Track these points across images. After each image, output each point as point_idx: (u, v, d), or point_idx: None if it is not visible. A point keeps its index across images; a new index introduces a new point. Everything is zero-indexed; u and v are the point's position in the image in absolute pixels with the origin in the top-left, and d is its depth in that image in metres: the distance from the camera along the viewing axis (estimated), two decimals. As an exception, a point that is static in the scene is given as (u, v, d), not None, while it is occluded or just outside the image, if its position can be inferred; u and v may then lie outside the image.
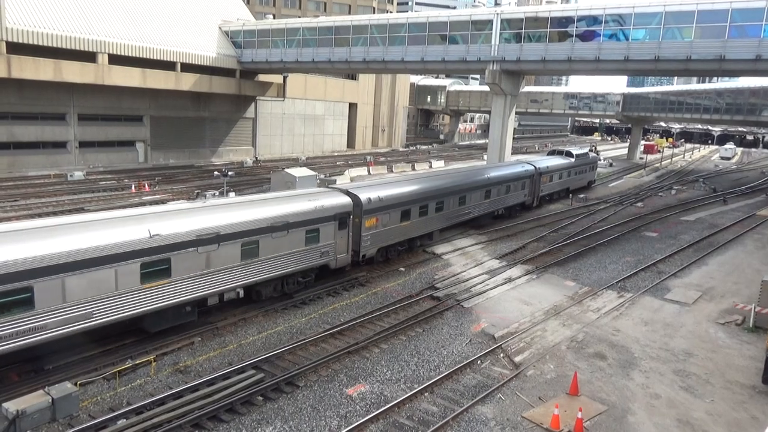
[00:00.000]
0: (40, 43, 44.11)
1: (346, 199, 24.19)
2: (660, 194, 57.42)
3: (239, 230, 19.39)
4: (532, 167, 42.46)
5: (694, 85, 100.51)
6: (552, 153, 53.63)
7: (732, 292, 26.47)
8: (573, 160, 51.24)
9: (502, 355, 18.78)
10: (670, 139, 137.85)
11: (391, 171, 60.19)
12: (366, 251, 25.54)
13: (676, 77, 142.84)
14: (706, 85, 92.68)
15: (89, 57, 47.71)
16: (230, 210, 19.85)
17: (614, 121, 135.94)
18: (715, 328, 21.92)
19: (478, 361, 18.13)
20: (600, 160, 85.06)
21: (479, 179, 35.23)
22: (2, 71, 41.90)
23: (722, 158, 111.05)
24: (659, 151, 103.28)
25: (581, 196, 51.16)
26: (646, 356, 19.09)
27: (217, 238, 18.60)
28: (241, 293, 20.16)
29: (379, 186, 27.60)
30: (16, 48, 42.77)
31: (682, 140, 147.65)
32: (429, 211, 29.64)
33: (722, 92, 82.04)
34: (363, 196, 25.10)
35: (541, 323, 21.54)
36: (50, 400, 13.37)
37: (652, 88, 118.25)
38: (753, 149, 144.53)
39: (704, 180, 68.16)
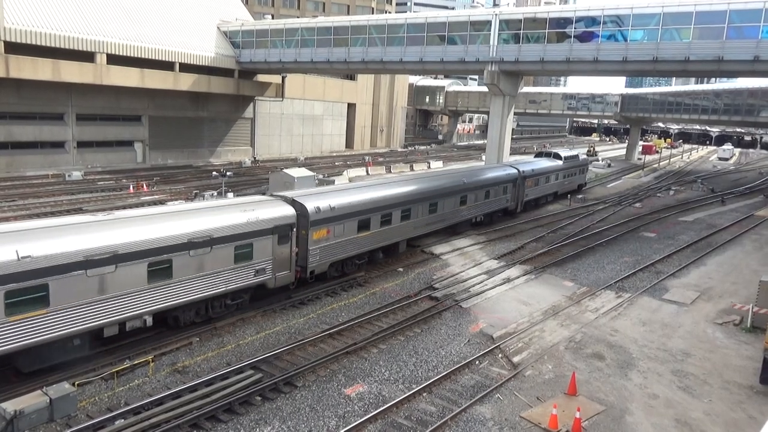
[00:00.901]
0: (39, 43, 44.04)
1: (287, 210, 21.64)
2: (658, 195, 57.51)
3: (144, 248, 16.73)
4: (515, 171, 40.23)
5: (692, 86, 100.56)
6: (539, 155, 51.62)
7: (730, 292, 26.52)
8: (561, 162, 49.20)
9: (500, 355, 18.80)
10: (669, 140, 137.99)
11: (390, 171, 60.19)
12: (315, 267, 22.97)
13: (674, 78, 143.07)
14: (705, 86, 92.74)
15: (87, 57, 47.64)
16: (133, 225, 17.12)
17: (612, 121, 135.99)
18: (713, 329, 21.96)
19: (477, 362, 18.14)
20: (599, 161, 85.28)
21: (453, 184, 32.81)
22: (0, 71, 41.83)
23: (720, 159, 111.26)
24: (657, 152, 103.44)
25: (580, 196, 51.23)
26: (644, 356, 19.12)
27: (113, 259, 15.96)
28: (149, 321, 17.44)
29: (332, 193, 24.98)
30: (14, 48, 42.70)
31: (681, 141, 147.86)
32: (393, 220, 27.17)
33: (720, 93, 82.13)
34: (310, 205, 22.57)
35: (540, 323, 21.55)
36: (48, 401, 13.36)
37: (650, 88, 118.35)
38: (751, 150, 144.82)
39: (702, 180, 68.28)
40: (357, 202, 24.97)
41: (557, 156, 49.93)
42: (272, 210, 21.16)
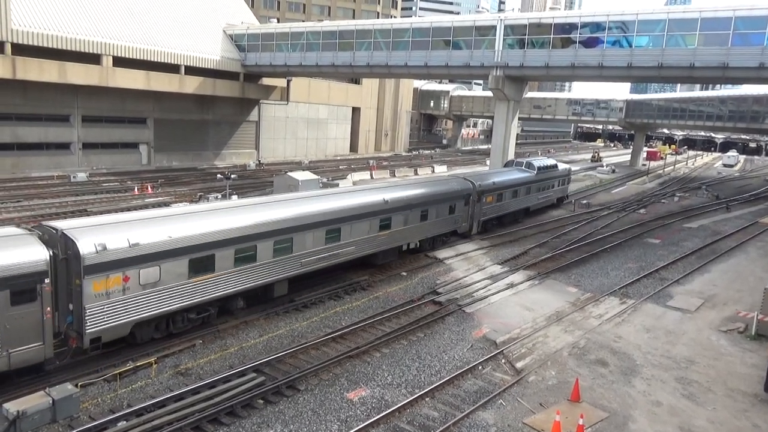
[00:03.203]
0: (45, 45, 44.33)
1: (31, 253, 14.82)
2: (663, 201, 57.34)
3: None
4: (470, 184, 33.93)
5: (697, 93, 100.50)
6: (508, 165, 44.93)
7: (734, 299, 26.39)
8: (534, 173, 42.82)
9: (503, 360, 18.74)
10: (673, 146, 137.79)
11: (394, 175, 60.25)
12: (102, 332, 16.08)
13: (679, 84, 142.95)
14: (710, 93, 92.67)
15: (93, 59, 47.91)
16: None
17: (617, 127, 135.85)
18: (718, 336, 21.85)
19: (480, 367, 18.09)
20: (603, 166, 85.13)
21: (366, 204, 25.45)
22: (7, 72, 42.09)
23: (725, 165, 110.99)
24: (662, 158, 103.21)
25: (584, 202, 51.08)
26: (648, 363, 19.03)
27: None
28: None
29: (142, 222, 17.67)
30: (21, 49, 42.95)
31: (685, 147, 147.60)
32: (260, 255, 20.43)
33: (725, 100, 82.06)
34: (86, 242, 15.53)
35: (543, 329, 21.49)
36: (51, 401, 13.37)
37: (655, 94, 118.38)
38: (756, 157, 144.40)
39: (707, 187, 68.07)
40: (187, 237, 17.92)
41: (530, 166, 43.58)
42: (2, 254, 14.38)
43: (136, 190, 43.94)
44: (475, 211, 34.58)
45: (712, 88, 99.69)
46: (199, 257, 18.32)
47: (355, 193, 26.61)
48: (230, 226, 19.35)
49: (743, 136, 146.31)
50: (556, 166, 47.84)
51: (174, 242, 17.57)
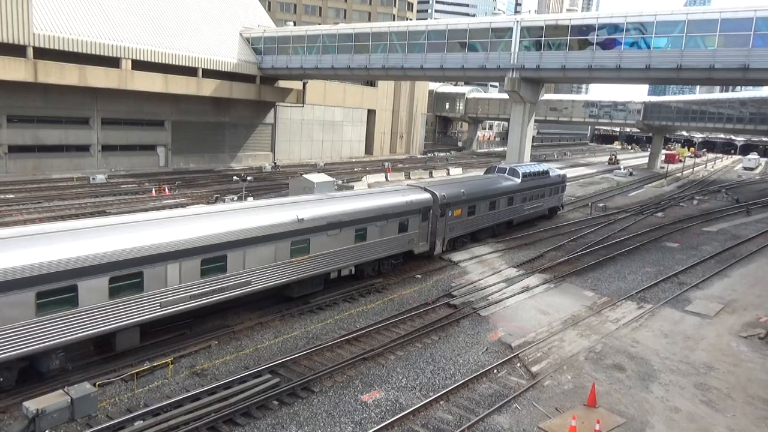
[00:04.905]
0: (66, 49, 45.02)
1: None
2: (681, 204, 56.63)
3: None
4: (429, 196, 28.65)
5: (716, 94, 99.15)
6: (489, 171, 40.60)
7: (755, 305, 25.96)
8: (518, 181, 37.72)
9: (519, 364, 18.62)
10: (692, 149, 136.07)
11: (409, 177, 60.25)
12: None
13: (698, 86, 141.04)
14: (730, 94, 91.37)
15: (113, 62, 48.57)
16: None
17: (635, 129, 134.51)
18: (737, 342, 21.50)
19: (495, 370, 18.00)
20: (621, 169, 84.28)
21: (268, 224, 20.21)
22: (29, 76, 42.81)
23: (745, 168, 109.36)
24: (681, 161, 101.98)
25: (601, 205, 50.60)
26: (666, 369, 18.79)
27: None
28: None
29: None
30: (42, 53, 43.68)
31: (704, 150, 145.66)
32: (82, 299, 15.37)
33: (746, 101, 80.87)
34: None
35: (559, 333, 21.32)
36: (69, 400, 13.53)
37: (674, 96, 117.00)
38: None
39: (727, 190, 67.08)
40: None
41: (513, 172, 38.51)
42: None
43: (153, 191, 44.43)
44: (438, 228, 29.39)
45: (732, 90, 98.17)
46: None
47: (254, 210, 20.91)
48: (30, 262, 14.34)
49: (764, 139, 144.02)
50: (547, 172, 42.38)
51: None
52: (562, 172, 46.38)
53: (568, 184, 49.18)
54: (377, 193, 27.14)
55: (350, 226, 23.52)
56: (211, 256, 18.36)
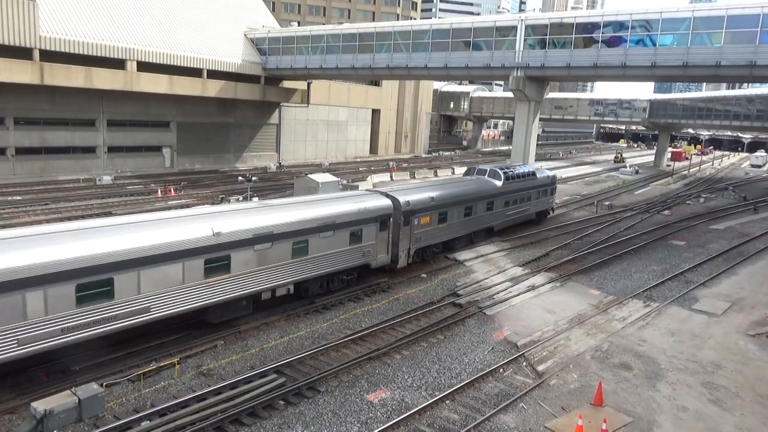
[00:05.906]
0: (72, 51, 45.22)
1: None
2: (688, 202, 56.36)
3: None
4: (389, 202, 25.51)
5: (723, 92, 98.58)
6: (469, 172, 37.46)
7: (763, 303, 25.80)
8: (499, 184, 34.75)
9: (524, 363, 18.58)
10: (699, 146, 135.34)
11: (414, 177, 60.21)
12: None
13: (704, 83, 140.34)
14: (736, 92, 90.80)
15: (118, 64, 48.76)
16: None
17: (640, 127, 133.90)
18: (745, 340, 21.38)
19: (501, 370, 17.96)
20: (626, 167, 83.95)
21: (172, 242, 17.12)
22: (35, 78, 43.03)
23: (753, 166, 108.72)
24: (687, 159, 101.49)
25: (606, 203, 50.41)
26: (673, 367, 18.71)
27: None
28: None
29: None
30: (48, 56, 43.89)
31: (711, 147, 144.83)
32: None
33: (753, 98, 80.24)
34: None
35: (565, 332, 21.26)
36: (77, 401, 13.58)
37: (679, 94, 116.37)
38: None
39: (734, 188, 66.70)
40: None
41: (494, 174, 35.51)
42: None
43: (159, 192, 44.58)
44: (401, 238, 26.39)
45: (739, 87, 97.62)
46: None
47: (156, 223, 17.69)
48: None
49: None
50: (533, 173, 39.34)
51: None
52: (551, 173, 43.17)
53: (573, 183, 48.93)
54: (323, 200, 23.84)
55: (286, 239, 20.56)
56: (90, 281, 15.31)
